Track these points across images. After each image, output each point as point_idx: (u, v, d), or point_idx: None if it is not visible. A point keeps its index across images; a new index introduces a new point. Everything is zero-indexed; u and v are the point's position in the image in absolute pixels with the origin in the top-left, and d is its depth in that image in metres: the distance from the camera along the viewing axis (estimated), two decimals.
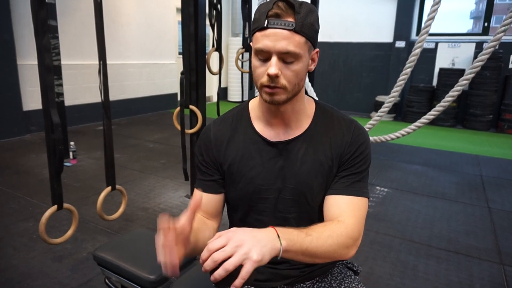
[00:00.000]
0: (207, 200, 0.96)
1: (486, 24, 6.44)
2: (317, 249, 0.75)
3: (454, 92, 2.16)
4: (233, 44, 8.05)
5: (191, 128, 2.65)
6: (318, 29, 0.82)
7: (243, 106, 1.00)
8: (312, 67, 0.87)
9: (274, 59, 0.78)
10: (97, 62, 1.69)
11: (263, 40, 0.78)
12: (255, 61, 0.82)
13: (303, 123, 0.93)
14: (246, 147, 0.94)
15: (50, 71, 1.50)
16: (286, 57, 0.78)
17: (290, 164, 0.91)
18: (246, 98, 3.79)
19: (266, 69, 0.80)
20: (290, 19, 0.76)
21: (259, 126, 0.94)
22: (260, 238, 0.67)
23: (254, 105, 0.97)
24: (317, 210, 0.95)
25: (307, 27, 0.78)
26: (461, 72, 6.24)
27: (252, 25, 0.82)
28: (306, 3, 0.79)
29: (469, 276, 2.07)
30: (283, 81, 0.81)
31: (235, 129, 0.96)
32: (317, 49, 0.85)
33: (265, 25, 0.77)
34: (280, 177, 0.92)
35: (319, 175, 0.91)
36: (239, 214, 0.99)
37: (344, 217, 0.85)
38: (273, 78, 0.80)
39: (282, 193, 0.93)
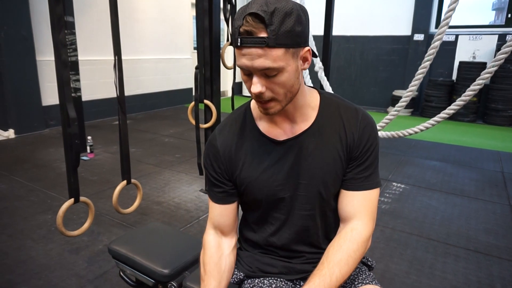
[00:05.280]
0: (222, 212, 0.97)
1: (509, 15, 6.21)
2: (343, 277, 0.84)
3: (475, 86, 2.10)
4: None
5: (205, 122, 2.65)
6: (302, 29, 0.75)
7: (244, 107, 0.98)
8: (306, 65, 0.83)
9: (255, 77, 0.78)
10: (113, 57, 1.71)
11: (241, 58, 0.77)
12: (242, 75, 0.82)
13: (309, 116, 0.91)
14: (255, 150, 0.92)
15: (66, 67, 1.52)
16: (267, 72, 0.76)
17: (300, 160, 0.90)
18: None
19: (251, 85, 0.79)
20: (263, 34, 0.72)
21: (264, 126, 0.93)
22: None
23: (255, 105, 0.94)
24: (332, 202, 0.94)
25: (284, 36, 0.73)
26: (482, 65, 6.05)
27: (231, 37, 0.80)
28: (280, 6, 0.72)
29: (489, 275, 2.01)
30: (270, 94, 0.80)
31: (240, 134, 0.94)
32: (307, 48, 0.80)
33: (239, 43, 0.74)
34: (293, 175, 0.91)
35: (331, 168, 0.90)
36: (257, 213, 0.98)
37: (358, 217, 0.91)
38: (258, 95, 0.79)
39: (297, 191, 0.92)
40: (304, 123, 0.91)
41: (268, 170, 0.91)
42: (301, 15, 0.75)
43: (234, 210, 0.98)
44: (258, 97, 0.80)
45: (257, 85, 0.78)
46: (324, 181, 0.90)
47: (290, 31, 0.73)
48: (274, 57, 0.74)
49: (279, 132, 0.91)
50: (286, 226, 0.96)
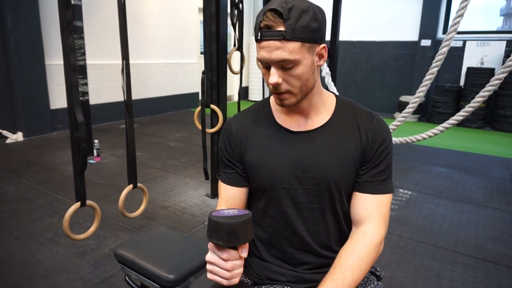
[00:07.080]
0: (232, 193, 0.99)
1: None
2: (355, 282, 0.83)
3: (485, 93, 2.08)
4: (254, 43, 8.02)
5: (211, 127, 2.66)
6: (318, 26, 0.81)
7: (264, 100, 1.03)
8: (322, 62, 0.87)
9: (272, 68, 0.83)
10: (121, 61, 1.72)
11: (260, 51, 0.83)
12: (262, 69, 0.88)
13: (324, 115, 0.94)
14: (268, 138, 0.96)
15: (74, 71, 1.54)
16: (284, 64, 0.81)
17: (311, 154, 0.91)
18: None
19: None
20: (281, 28, 0.78)
21: (280, 118, 0.97)
22: None
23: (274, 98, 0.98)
24: (344, 202, 0.94)
25: (300, 30, 0.78)
26: (490, 71, 6.00)
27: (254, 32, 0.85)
28: (298, 3, 0.79)
29: (498, 285, 1.98)
30: (286, 86, 0.85)
31: (256, 121, 0.98)
32: (323, 45, 0.85)
33: (259, 37, 0.81)
34: (301, 167, 0.92)
35: (343, 166, 0.91)
36: (261, 205, 0.99)
37: (371, 221, 0.91)
38: (275, 86, 0.84)
39: (303, 183, 0.92)
40: (319, 120, 0.94)
41: (277, 157, 0.93)
42: (317, 13, 0.81)
43: (244, 195, 1.01)
44: (275, 88, 0.85)
45: (274, 76, 0.83)
46: (334, 177, 0.91)
47: (306, 26, 0.79)
48: (290, 50, 0.79)
49: (294, 124, 0.95)
50: (294, 219, 0.94)
